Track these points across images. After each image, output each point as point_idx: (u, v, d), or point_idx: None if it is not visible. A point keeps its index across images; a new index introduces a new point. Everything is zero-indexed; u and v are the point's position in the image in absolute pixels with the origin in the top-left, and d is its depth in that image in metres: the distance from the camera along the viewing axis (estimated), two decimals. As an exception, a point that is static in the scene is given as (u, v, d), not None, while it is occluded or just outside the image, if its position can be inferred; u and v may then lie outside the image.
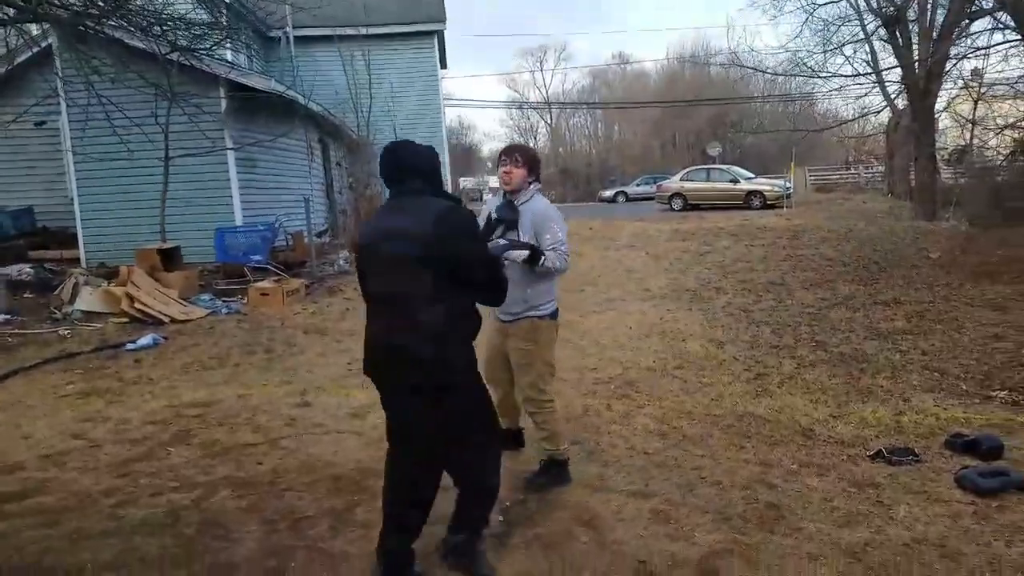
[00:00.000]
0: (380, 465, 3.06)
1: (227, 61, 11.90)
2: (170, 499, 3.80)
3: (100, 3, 8.63)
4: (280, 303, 8.54)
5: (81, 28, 9.26)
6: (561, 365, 6.04)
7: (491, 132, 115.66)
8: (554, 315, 3.64)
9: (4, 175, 13.91)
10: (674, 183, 23.79)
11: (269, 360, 6.79)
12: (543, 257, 3.35)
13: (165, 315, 8.04)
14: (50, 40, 10.95)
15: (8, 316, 8.31)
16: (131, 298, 8.14)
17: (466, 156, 61.75)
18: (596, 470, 4.00)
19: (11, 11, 9.00)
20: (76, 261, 12.19)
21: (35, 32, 10.64)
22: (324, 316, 8.45)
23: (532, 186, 3.49)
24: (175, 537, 3.39)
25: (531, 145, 62.80)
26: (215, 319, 8.49)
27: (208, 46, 10.33)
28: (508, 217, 3.39)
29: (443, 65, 25.05)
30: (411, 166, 2.74)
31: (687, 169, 24.83)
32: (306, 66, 19.18)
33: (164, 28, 9.70)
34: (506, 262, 3.17)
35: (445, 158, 21.82)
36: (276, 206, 12.46)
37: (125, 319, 8.09)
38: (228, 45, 14.40)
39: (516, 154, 3.45)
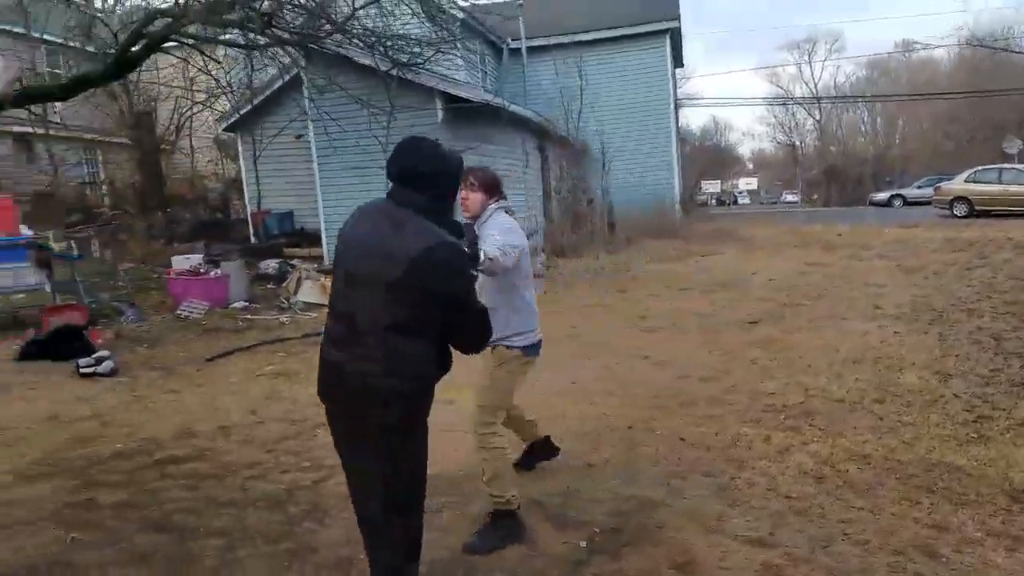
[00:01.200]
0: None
1: (441, 74, 12.78)
2: (294, 478, 4.18)
3: (323, 24, 9.83)
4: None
5: (310, 47, 10.63)
6: (735, 388, 5.62)
7: (750, 130, 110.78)
8: (529, 350, 3.40)
9: (272, 182, 16.37)
10: (956, 185, 20.70)
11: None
12: (482, 251, 2.99)
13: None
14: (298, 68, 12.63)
15: (247, 303, 9.78)
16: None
17: (716, 158, 59.53)
18: (718, 509, 3.62)
19: (261, 38, 10.61)
20: (320, 259, 13.96)
21: (287, 60, 12.31)
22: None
23: (491, 206, 3.39)
24: (281, 514, 3.73)
25: (795, 143, 58.69)
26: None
27: (422, 61, 11.25)
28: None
29: (678, 63, 24.45)
30: (423, 173, 2.43)
31: (974, 169, 21.44)
32: (536, 73, 19.96)
33: (386, 46, 10.75)
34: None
35: (674, 160, 21.29)
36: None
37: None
38: (460, 62, 15.53)
39: (470, 178, 3.35)
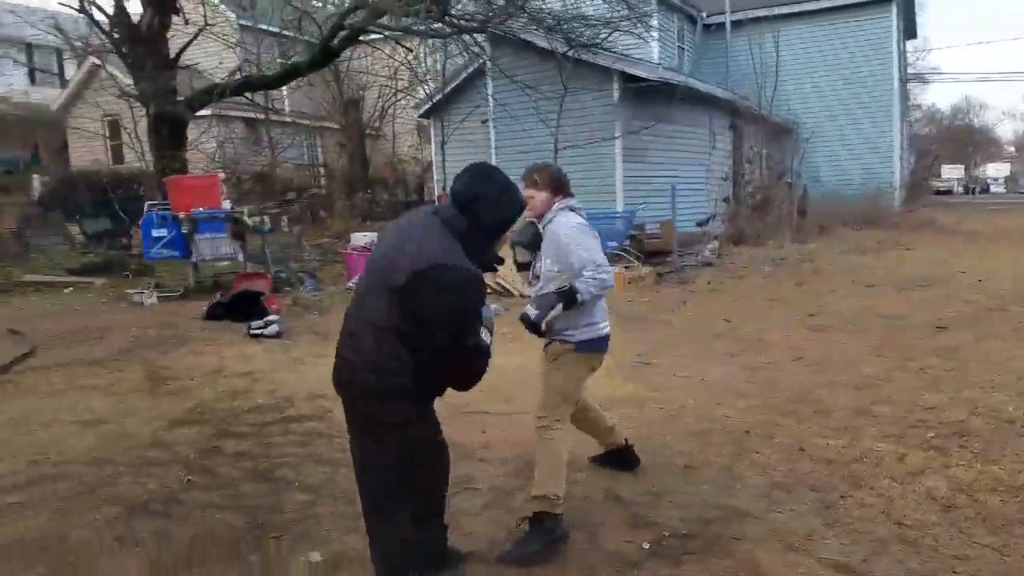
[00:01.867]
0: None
1: (620, 53, 12.58)
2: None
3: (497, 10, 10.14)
4: (619, 289, 8.84)
5: (493, 33, 10.99)
6: (888, 399, 5.04)
7: (1012, 109, 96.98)
8: (583, 346, 3.27)
9: (457, 166, 17.00)
10: None
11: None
12: (578, 294, 3.14)
13: (516, 290, 9.08)
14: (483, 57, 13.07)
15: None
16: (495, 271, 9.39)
17: (966, 139, 52.79)
18: (811, 527, 3.31)
19: (443, 27, 11.17)
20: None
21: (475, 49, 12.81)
22: (654, 305, 8.48)
23: (555, 206, 3.29)
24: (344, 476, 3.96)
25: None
26: (559, 298, 9.25)
27: (600, 41, 11.20)
28: (524, 240, 3.33)
29: (910, 35, 21.93)
30: (476, 199, 2.48)
31: None
32: (735, 48, 19.02)
33: (563, 28, 10.85)
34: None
35: (895, 141, 19.23)
36: (661, 193, 12.71)
37: (488, 290, 9.37)
38: (654, 35, 15.24)
39: (534, 175, 3.28)
